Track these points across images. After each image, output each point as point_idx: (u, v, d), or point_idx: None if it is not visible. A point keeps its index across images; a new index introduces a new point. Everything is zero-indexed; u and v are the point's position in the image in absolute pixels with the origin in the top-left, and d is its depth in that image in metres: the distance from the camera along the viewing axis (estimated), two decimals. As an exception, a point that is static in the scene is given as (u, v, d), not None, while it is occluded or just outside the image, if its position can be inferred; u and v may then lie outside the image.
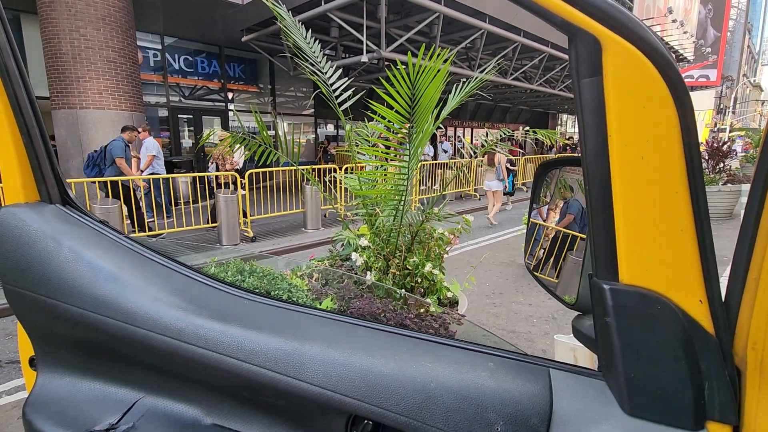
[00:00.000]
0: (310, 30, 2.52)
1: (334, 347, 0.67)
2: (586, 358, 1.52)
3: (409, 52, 1.64)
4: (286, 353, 0.67)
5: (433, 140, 16.05)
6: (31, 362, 0.88)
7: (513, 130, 3.15)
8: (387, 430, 0.68)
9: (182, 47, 11.80)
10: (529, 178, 13.85)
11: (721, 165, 8.61)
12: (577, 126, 0.58)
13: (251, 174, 7.02)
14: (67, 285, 0.76)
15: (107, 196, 6.04)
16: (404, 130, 1.85)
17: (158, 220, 6.94)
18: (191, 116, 12.33)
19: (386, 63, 10.55)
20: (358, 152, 2.48)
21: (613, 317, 0.54)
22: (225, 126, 12.78)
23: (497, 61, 3.70)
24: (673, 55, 0.60)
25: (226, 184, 7.28)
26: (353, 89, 2.41)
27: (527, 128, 2.92)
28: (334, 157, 13.34)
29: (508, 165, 8.77)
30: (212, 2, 9.15)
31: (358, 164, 2.52)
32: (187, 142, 12.39)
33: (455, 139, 20.81)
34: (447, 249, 2.29)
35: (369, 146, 2.71)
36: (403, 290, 1.88)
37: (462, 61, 11.49)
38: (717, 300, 0.52)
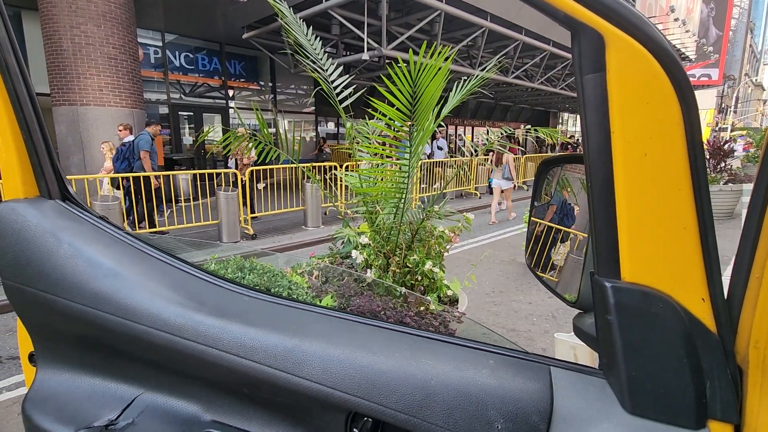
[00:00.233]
0: (311, 27, 2.52)
1: (334, 344, 0.67)
2: (587, 357, 1.52)
3: (410, 50, 1.63)
4: (285, 350, 0.66)
5: (431, 137, 15.99)
6: (31, 358, 0.88)
7: (514, 129, 3.15)
8: (387, 428, 0.68)
9: (183, 44, 11.78)
10: (529, 176, 13.83)
11: (723, 164, 8.60)
12: (578, 124, 0.58)
13: (251, 171, 7.02)
14: (67, 281, 0.75)
15: (126, 188, 6.24)
16: (405, 128, 1.84)
17: (158, 217, 6.96)
18: (192, 113, 12.32)
19: (387, 61, 10.54)
20: (359, 150, 2.48)
21: (615, 315, 0.53)
22: (225, 123, 12.78)
23: (498, 59, 3.69)
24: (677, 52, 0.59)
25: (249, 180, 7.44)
26: (354, 87, 2.41)
27: (528, 127, 2.92)
28: (330, 156, 13.30)
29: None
30: (213, -1, 9.14)
31: (359, 162, 2.52)
32: (187, 139, 12.39)
33: (456, 137, 20.79)
34: (447, 247, 2.29)
35: (370, 144, 2.70)
36: (404, 288, 1.88)
37: (463, 59, 11.47)
38: (719, 298, 0.51)
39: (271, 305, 0.79)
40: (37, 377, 0.85)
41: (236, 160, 7.60)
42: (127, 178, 6.19)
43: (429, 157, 11.96)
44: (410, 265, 2.08)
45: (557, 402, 0.57)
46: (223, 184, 6.95)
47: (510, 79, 12.14)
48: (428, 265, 2.05)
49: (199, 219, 6.90)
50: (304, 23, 2.47)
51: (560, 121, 28.18)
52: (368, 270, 2.10)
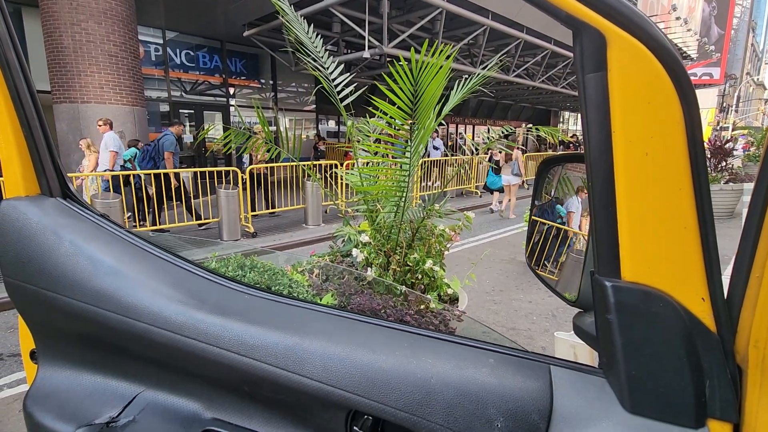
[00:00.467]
0: (312, 25, 2.51)
1: (334, 342, 0.67)
2: (586, 356, 1.52)
3: (411, 48, 1.63)
4: (286, 348, 0.66)
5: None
6: (32, 355, 0.89)
7: (515, 127, 3.14)
8: (387, 426, 0.68)
9: (184, 42, 11.77)
10: (530, 175, 13.82)
11: (724, 163, 8.59)
12: (579, 123, 0.58)
13: (252, 170, 7.03)
14: (68, 278, 0.76)
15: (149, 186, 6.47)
16: (406, 127, 1.84)
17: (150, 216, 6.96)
18: (192, 111, 12.31)
19: (388, 59, 10.51)
20: (361, 149, 2.48)
21: (615, 314, 0.53)
22: (226, 121, 12.76)
23: (500, 57, 3.68)
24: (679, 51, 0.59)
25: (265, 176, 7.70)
26: (355, 85, 2.40)
27: (529, 125, 2.91)
28: (325, 154, 13.17)
29: (501, 162, 8.81)
30: (214, -4, 9.13)
31: (356, 160, 2.52)
32: (188, 137, 12.38)
33: (457, 136, 20.77)
34: (448, 246, 2.29)
35: (370, 142, 2.70)
36: (404, 286, 1.88)
37: (464, 58, 11.44)
38: (719, 298, 0.51)
39: (271, 303, 0.79)
40: (39, 374, 0.85)
41: (251, 155, 7.70)
42: (138, 177, 6.41)
43: (424, 156, 11.91)
44: (411, 264, 2.08)
45: (557, 401, 0.57)
46: (232, 183, 6.93)
47: (511, 77, 12.12)
48: (429, 263, 2.05)
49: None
50: (305, 21, 2.47)
51: (561, 119, 28.14)
52: (369, 268, 2.10)
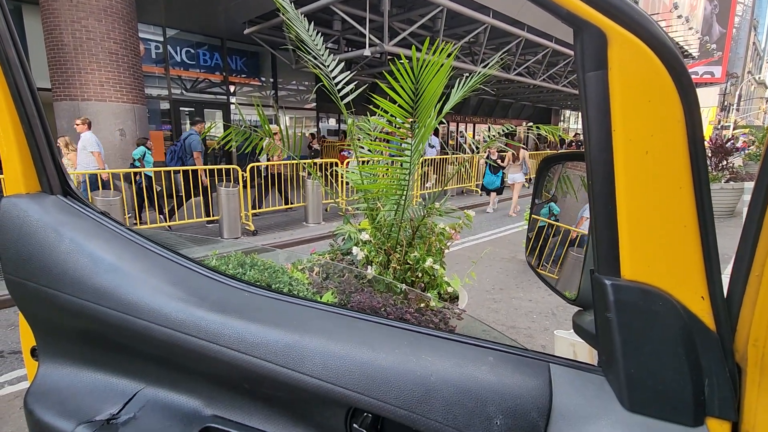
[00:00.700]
0: (312, 23, 2.51)
1: (334, 340, 0.67)
2: (586, 354, 1.52)
3: (412, 46, 1.63)
4: (286, 345, 0.67)
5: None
6: (33, 352, 0.89)
7: (515, 126, 3.14)
8: (386, 423, 0.68)
9: (184, 39, 11.75)
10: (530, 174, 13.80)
11: (724, 162, 8.58)
12: (580, 122, 0.57)
13: (252, 167, 7.03)
14: (68, 276, 0.76)
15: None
16: (407, 125, 1.84)
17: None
18: (193, 109, 12.31)
19: (389, 57, 10.49)
20: (360, 147, 2.48)
21: (615, 313, 0.53)
22: (227, 119, 12.75)
23: (500, 56, 3.68)
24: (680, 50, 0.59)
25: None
26: (356, 83, 2.40)
27: (530, 124, 2.91)
28: (319, 153, 13.05)
29: (498, 161, 8.83)
30: (214, -6, 9.11)
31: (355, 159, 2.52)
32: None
33: (458, 134, 20.74)
34: (448, 244, 2.29)
35: (371, 140, 2.70)
36: (404, 285, 1.89)
37: (465, 56, 11.42)
38: (719, 296, 0.51)
39: (271, 301, 0.79)
40: (39, 371, 0.86)
41: (267, 155, 7.76)
42: (148, 176, 6.58)
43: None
44: (411, 262, 2.08)
45: (556, 398, 0.57)
46: (233, 180, 6.94)
47: (512, 76, 12.09)
48: (429, 262, 2.05)
49: (200, 215, 6.91)
50: (306, 19, 2.46)
51: (562, 118, 28.10)
52: (369, 267, 2.10)
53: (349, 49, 11.13)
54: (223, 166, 7.07)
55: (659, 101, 0.48)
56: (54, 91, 7.21)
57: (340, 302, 1.59)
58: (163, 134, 11.35)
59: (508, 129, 2.79)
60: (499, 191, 9.24)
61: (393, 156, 2.27)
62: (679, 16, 20.55)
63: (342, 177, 7.89)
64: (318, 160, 9.06)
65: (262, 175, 7.69)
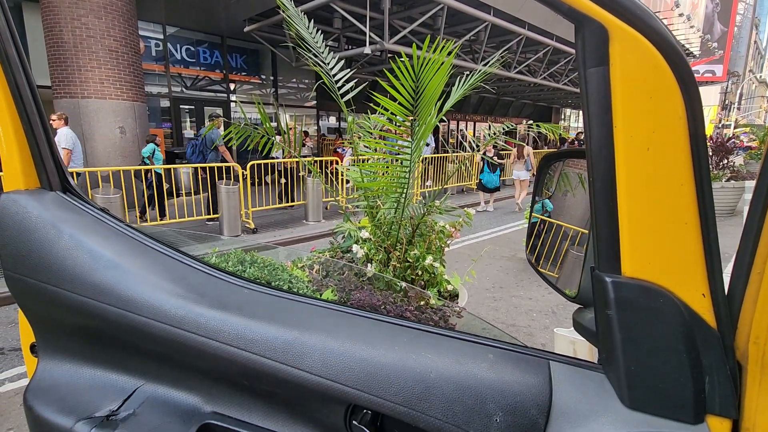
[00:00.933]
0: (312, 20, 2.50)
1: (334, 337, 0.67)
2: (586, 352, 1.52)
3: (413, 44, 1.63)
4: (285, 342, 0.67)
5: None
6: (32, 349, 0.89)
7: (516, 124, 3.13)
8: (386, 420, 0.68)
9: (184, 37, 11.73)
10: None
11: (725, 161, 8.57)
12: (581, 120, 0.57)
13: (253, 166, 7.02)
14: (68, 272, 0.76)
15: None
16: (407, 123, 1.84)
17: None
18: (193, 107, 12.29)
19: (389, 55, 10.47)
20: (363, 145, 2.47)
21: (615, 310, 0.53)
22: (227, 117, 12.74)
23: (501, 54, 3.67)
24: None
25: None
26: (356, 81, 2.39)
27: (530, 122, 2.91)
28: (312, 151, 12.89)
29: (495, 158, 8.86)
30: (214, -9, 9.09)
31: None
32: (188, 132, 12.36)
33: (458, 133, 20.71)
34: (448, 242, 2.29)
35: (371, 138, 2.70)
36: (404, 282, 1.89)
37: (466, 54, 11.40)
38: (720, 294, 0.51)
39: (271, 298, 0.79)
40: (39, 368, 0.86)
41: (283, 150, 7.85)
42: (156, 173, 6.66)
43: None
44: (411, 260, 2.08)
45: (556, 396, 0.57)
46: (233, 178, 6.96)
47: (513, 74, 12.07)
48: (429, 260, 2.05)
49: (200, 213, 6.91)
50: (306, 16, 2.46)
51: (563, 116, 28.06)
52: (369, 264, 2.10)
53: (350, 46, 11.11)
54: (224, 164, 7.07)
55: (661, 97, 0.48)
56: (54, 89, 7.20)
57: (340, 300, 1.59)
58: (164, 132, 11.34)
59: (508, 127, 2.78)
60: (496, 190, 9.26)
61: (393, 154, 2.26)
62: (681, 14, 20.50)
63: (342, 175, 7.88)
64: (315, 158, 9.06)
65: (276, 171, 7.83)
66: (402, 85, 1.63)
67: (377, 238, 2.14)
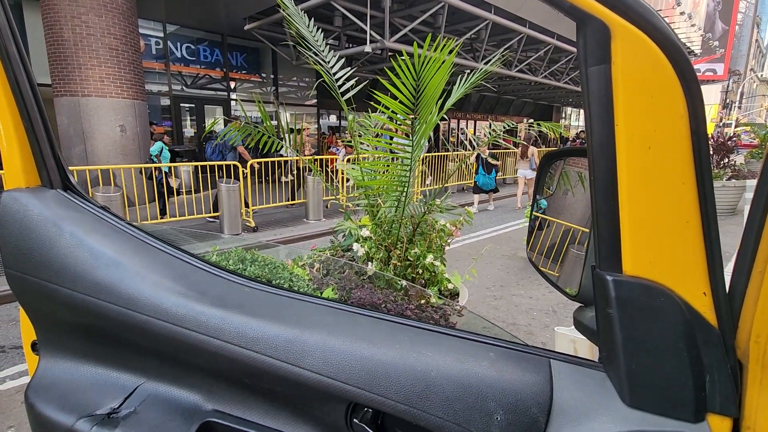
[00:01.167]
0: (313, 19, 2.50)
1: (334, 335, 0.67)
2: (586, 350, 1.52)
3: (414, 43, 1.62)
4: (286, 340, 0.67)
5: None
6: (33, 347, 0.89)
7: (516, 123, 3.13)
8: (387, 418, 0.68)
9: (184, 35, 11.72)
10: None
11: (726, 160, 8.55)
12: (581, 119, 0.57)
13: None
14: (69, 270, 0.76)
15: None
16: (408, 121, 1.83)
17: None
18: (193, 105, 12.28)
19: (390, 53, 10.45)
20: (361, 143, 2.47)
21: (616, 309, 0.53)
22: (227, 115, 12.73)
23: (502, 52, 3.66)
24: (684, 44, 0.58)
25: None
26: (356, 79, 2.39)
27: (531, 121, 2.90)
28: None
29: (490, 159, 8.87)
30: (215, -10, 9.08)
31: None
32: (189, 131, 12.36)
33: (459, 131, 20.69)
34: (448, 241, 2.29)
35: (372, 137, 2.70)
36: (405, 281, 1.89)
37: (466, 52, 11.38)
38: (721, 292, 0.51)
39: (272, 296, 0.79)
40: (40, 366, 0.86)
41: (297, 150, 7.95)
42: (162, 171, 6.81)
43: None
44: (411, 259, 2.08)
45: (557, 394, 0.57)
46: (233, 177, 6.98)
47: (513, 72, 12.05)
48: (429, 258, 2.05)
49: (200, 211, 6.91)
50: (306, 15, 2.45)
51: (563, 115, 28.00)
52: (369, 263, 2.10)
53: (350, 45, 11.08)
54: (224, 163, 7.06)
55: (662, 96, 0.48)
56: (54, 87, 7.20)
57: (340, 298, 1.59)
58: (164, 130, 11.34)
59: (509, 126, 2.78)
60: (495, 191, 9.26)
61: (393, 152, 2.26)
62: (682, 13, 20.43)
63: (342, 173, 7.89)
64: (316, 157, 9.07)
65: (292, 169, 7.99)
66: (403, 83, 1.63)
67: (378, 236, 2.14)
